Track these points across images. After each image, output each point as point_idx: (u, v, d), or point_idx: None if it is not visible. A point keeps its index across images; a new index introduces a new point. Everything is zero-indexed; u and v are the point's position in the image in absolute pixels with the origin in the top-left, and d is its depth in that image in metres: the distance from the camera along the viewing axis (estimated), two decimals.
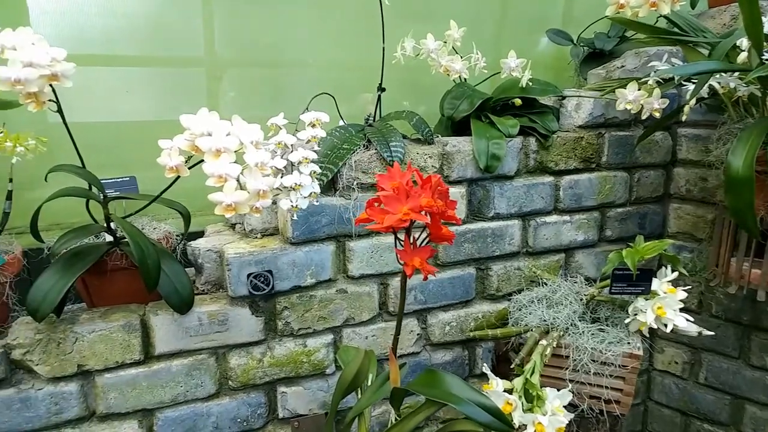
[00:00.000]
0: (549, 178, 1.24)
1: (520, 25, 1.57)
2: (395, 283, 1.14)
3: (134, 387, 0.98)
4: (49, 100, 0.77)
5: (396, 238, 0.77)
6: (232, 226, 1.17)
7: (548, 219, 1.26)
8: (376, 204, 0.77)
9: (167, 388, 1.00)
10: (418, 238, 0.77)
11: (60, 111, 0.80)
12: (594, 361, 0.97)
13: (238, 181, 0.69)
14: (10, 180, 0.96)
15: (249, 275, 1.00)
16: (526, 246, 1.25)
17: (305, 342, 1.09)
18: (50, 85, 0.76)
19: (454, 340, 1.21)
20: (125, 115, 1.22)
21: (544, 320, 1.03)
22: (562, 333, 1.01)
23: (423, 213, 0.73)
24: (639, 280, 0.96)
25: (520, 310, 1.08)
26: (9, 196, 0.97)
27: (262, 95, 1.33)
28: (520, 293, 1.14)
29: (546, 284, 1.13)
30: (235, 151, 0.71)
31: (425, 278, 0.76)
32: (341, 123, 1.14)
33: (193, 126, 0.71)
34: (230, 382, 1.05)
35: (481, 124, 1.17)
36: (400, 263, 0.76)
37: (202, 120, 0.71)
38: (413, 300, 1.16)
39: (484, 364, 0.94)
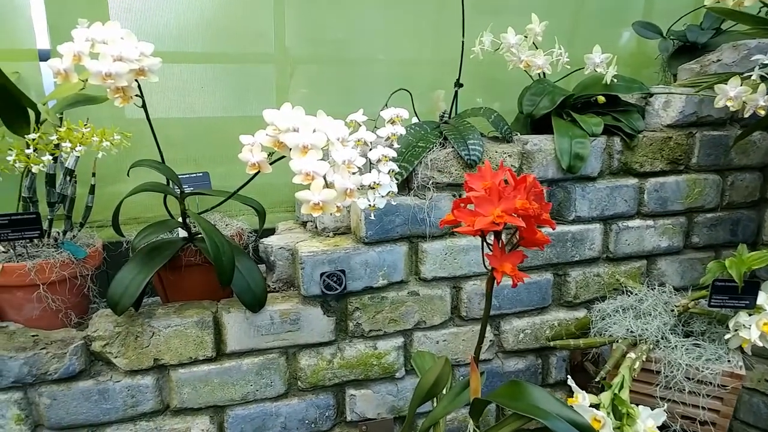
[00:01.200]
0: (633, 180, 1.16)
1: (595, 18, 1.49)
2: (468, 287, 1.09)
3: (206, 383, 0.98)
4: (136, 95, 0.77)
5: (484, 241, 0.73)
6: (303, 223, 1.16)
7: (631, 223, 1.18)
8: (462, 205, 0.73)
9: (237, 386, 1.00)
10: (506, 242, 0.73)
11: (144, 106, 0.80)
12: (689, 378, 0.90)
13: (324, 178, 0.67)
14: (93, 174, 0.98)
15: (322, 274, 0.98)
16: (606, 251, 1.17)
17: (375, 344, 1.06)
18: (135, 80, 0.76)
19: (527, 348, 1.16)
20: (196, 111, 1.23)
21: (631, 331, 0.96)
22: (651, 346, 0.94)
23: (515, 216, 0.68)
24: (743, 293, 0.87)
25: (603, 319, 1.01)
26: (92, 191, 0.99)
27: (333, 91, 1.32)
28: (602, 301, 1.07)
29: (631, 293, 1.05)
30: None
31: (514, 285, 0.71)
32: (414, 120, 1.11)
33: (277, 121, 0.69)
34: (299, 383, 1.03)
35: (563, 122, 1.11)
36: (487, 269, 0.72)
37: (288, 115, 0.69)
38: None
39: (568, 377, 0.88)
